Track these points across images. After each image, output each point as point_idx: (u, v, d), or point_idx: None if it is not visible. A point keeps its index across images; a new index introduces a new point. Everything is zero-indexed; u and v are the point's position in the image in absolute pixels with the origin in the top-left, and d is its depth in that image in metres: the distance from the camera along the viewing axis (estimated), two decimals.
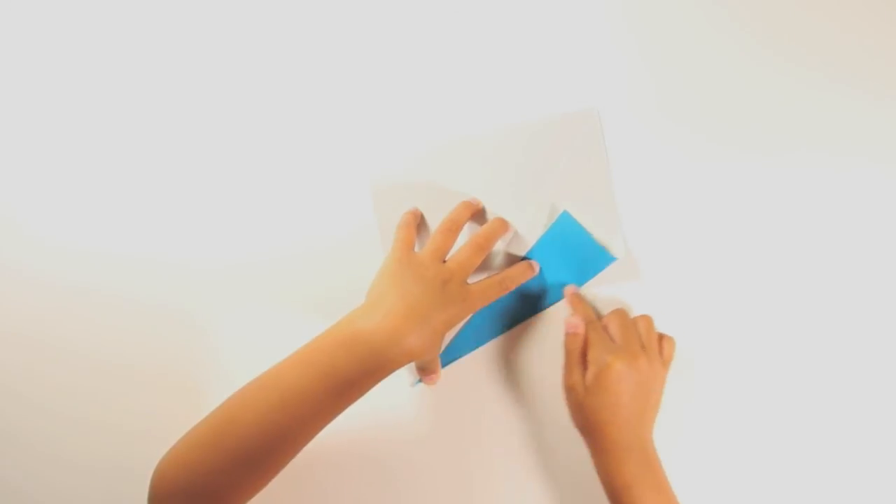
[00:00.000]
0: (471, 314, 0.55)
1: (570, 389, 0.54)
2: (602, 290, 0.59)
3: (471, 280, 0.55)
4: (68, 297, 0.60)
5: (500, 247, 0.59)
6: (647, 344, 0.54)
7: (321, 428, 0.49)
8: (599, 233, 0.59)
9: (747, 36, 0.59)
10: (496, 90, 0.60)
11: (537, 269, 0.58)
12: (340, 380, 0.48)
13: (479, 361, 0.60)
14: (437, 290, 0.52)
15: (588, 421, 0.53)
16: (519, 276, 0.57)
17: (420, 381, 0.58)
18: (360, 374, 0.49)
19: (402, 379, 0.59)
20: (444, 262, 0.54)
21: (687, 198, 0.60)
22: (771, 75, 0.59)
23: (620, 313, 0.56)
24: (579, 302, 0.58)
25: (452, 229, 0.56)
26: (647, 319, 0.56)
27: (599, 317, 0.58)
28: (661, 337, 0.56)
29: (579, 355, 0.54)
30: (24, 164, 0.61)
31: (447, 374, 0.59)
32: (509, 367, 0.60)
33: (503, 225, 0.57)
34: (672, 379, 0.57)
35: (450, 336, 0.59)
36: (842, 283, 0.59)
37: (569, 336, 0.55)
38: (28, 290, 0.60)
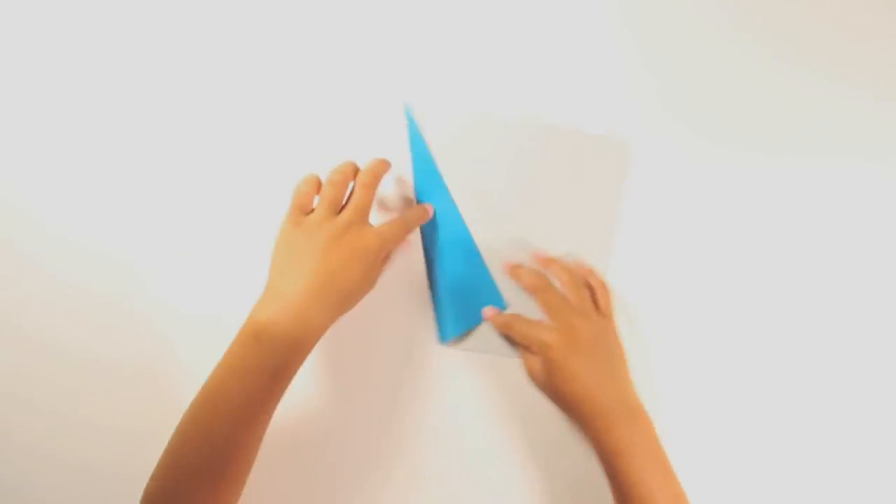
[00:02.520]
0: (388, 250, 0.55)
1: (529, 371, 0.56)
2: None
3: None
4: (69, 297, 0.60)
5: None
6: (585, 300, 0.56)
7: (265, 424, 0.49)
8: (589, 245, 0.60)
9: (748, 37, 0.60)
10: (500, 89, 0.61)
11: (431, 212, 0.59)
12: (261, 376, 0.48)
13: (485, 359, 0.59)
14: (334, 248, 0.51)
15: (560, 394, 0.53)
16: (418, 217, 0.58)
17: (441, 337, 0.59)
18: (277, 365, 0.49)
19: (402, 378, 0.59)
20: (340, 213, 0.53)
21: (687, 198, 0.60)
22: (771, 76, 0.60)
23: (567, 270, 0.57)
24: (518, 272, 0.58)
25: (339, 180, 0.54)
26: (574, 274, 0.57)
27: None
28: (592, 288, 0.57)
29: (519, 337, 0.55)
30: (22, 163, 0.61)
31: (450, 371, 0.59)
32: (515, 365, 0.59)
33: (383, 161, 0.56)
34: (673, 378, 0.57)
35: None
36: (842, 282, 0.59)
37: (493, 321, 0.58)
38: (28, 290, 0.60)
